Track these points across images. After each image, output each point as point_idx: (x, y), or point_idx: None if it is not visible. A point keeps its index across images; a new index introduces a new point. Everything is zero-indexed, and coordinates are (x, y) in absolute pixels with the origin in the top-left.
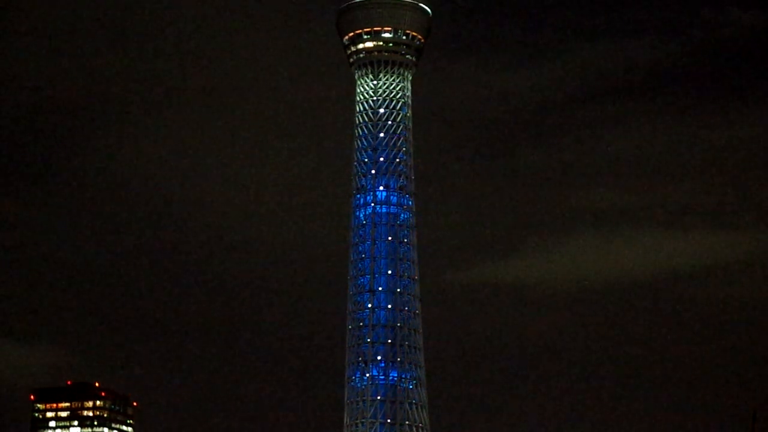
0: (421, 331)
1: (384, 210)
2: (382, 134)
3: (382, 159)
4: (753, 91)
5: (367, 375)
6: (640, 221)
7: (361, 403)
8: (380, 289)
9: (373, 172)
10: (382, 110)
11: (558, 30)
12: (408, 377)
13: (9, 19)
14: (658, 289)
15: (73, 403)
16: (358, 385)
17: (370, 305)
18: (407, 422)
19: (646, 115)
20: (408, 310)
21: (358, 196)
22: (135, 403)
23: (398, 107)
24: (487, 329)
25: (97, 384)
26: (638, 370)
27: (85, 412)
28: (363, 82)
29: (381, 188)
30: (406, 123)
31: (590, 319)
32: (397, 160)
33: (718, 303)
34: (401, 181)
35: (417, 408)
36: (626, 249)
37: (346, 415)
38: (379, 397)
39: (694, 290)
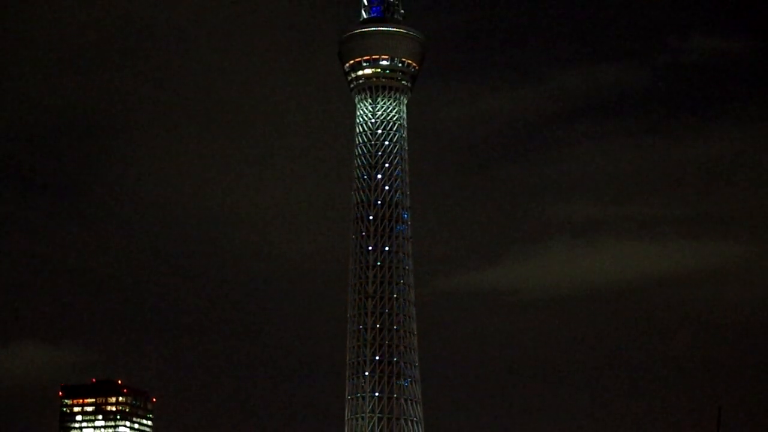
0: (415, 333)
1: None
2: (380, 153)
3: (379, 176)
4: (715, 111)
5: (367, 373)
6: (612, 231)
7: (360, 399)
8: (378, 295)
9: (372, 188)
10: (379, 131)
11: (536, 57)
12: (404, 375)
13: (37, 47)
14: (630, 294)
15: (97, 398)
16: (358, 382)
17: (369, 309)
18: (403, 417)
19: (617, 134)
20: (404, 314)
21: (358, 209)
22: (154, 399)
23: (395, 128)
24: (472, 331)
25: (119, 381)
26: (611, 369)
27: (109, 407)
28: (362, 105)
29: (379, 203)
30: (402, 143)
31: (567, 321)
32: (394, 176)
33: (686, 306)
34: (397, 195)
35: (412, 404)
36: (600, 257)
37: (347, 410)
38: (377, 394)
39: (664, 295)
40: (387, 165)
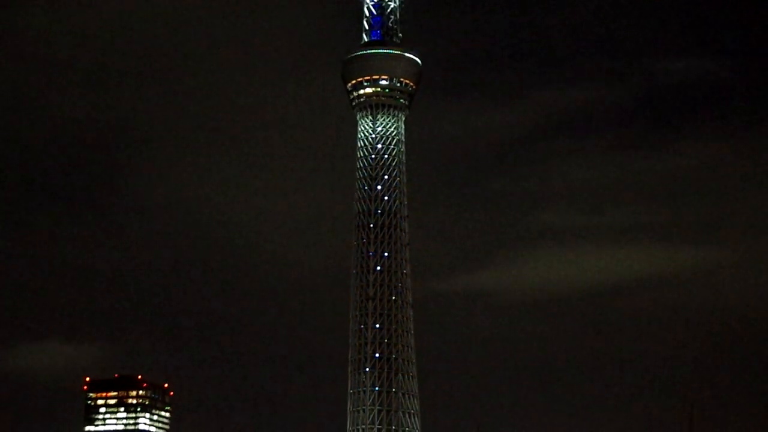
0: (412, 331)
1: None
2: (379, 166)
3: (379, 187)
4: (683, 128)
5: (368, 369)
6: (591, 238)
7: (362, 393)
8: (378, 297)
9: (372, 198)
10: (379, 146)
11: (522, 78)
12: (401, 371)
13: (60, 67)
14: (608, 295)
15: (119, 392)
16: (360, 377)
17: (370, 310)
18: (401, 409)
19: (595, 149)
20: (402, 314)
21: (360, 218)
22: (171, 393)
23: (393, 143)
24: (464, 329)
25: (139, 376)
26: (591, 364)
27: (130, 400)
28: (363, 122)
29: (379, 212)
30: (400, 156)
31: (550, 321)
32: (393, 187)
33: (661, 307)
34: (396, 205)
35: (409, 397)
36: (581, 262)
37: (349, 402)
38: (377, 388)
39: (640, 297)
40: (386, 177)
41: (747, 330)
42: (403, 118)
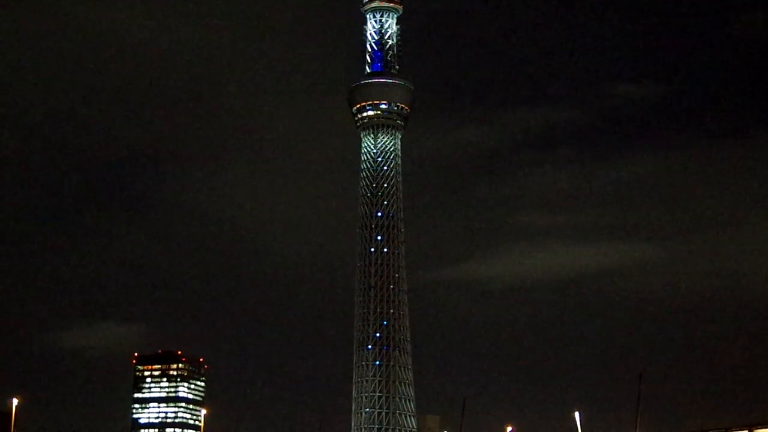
0: (408, 314)
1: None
2: (380, 176)
3: (380, 194)
4: (636, 143)
5: (370, 347)
6: (558, 236)
7: (365, 366)
8: (378, 286)
9: (373, 202)
10: (379, 159)
11: (498, 100)
12: (398, 348)
13: (112, 94)
14: (572, 284)
15: (162, 365)
16: (363, 353)
17: (371, 297)
18: (398, 380)
19: (560, 160)
20: (398, 300)
21: (363, 219)
22: (207, 366)
23: (391, 157)
24: (452, 312)
25: (179, 352)
26: (556, 345)
27: (171, 372)
28: (366, 139)
29: (379, 214)
30: (397, 168)
31: (523, 306)
32: (391, 194)
33: (616, 295)
34: (393, 208)
35: (405, 369)
36: (548, 256)
37: (354, 374)
38: (378, 362)
39: (599, 286)
40: (385, 185)
41: (689, 313)
42: (400, 136)
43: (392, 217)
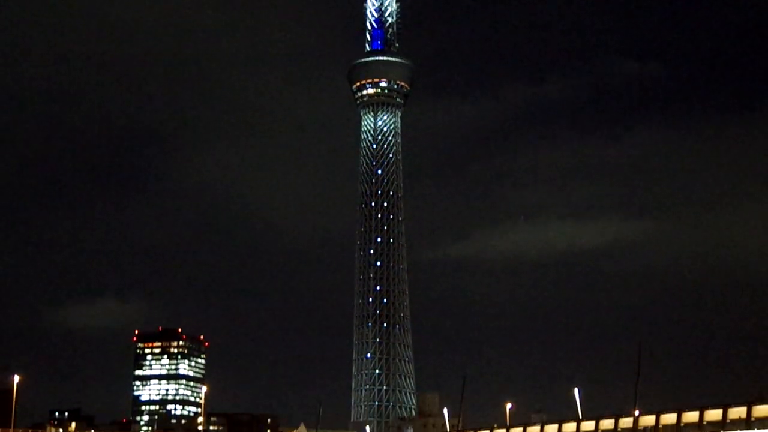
0: (407, 292)
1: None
2: (380, 154)
3: (380, 172)
4: (634, 120)
5: (370, 324)
6: (557, 212)
7: (365, 342)
8: (378, 264)
9: (373, 181)
10: (379, 137)
11: (496, 78)
12: (398, 325)
13: (116, 75)
14: (569, 259)
15: (163, 342)
16: (364, 330)
17: (371, 274)
18: (398, 357)
19: (558, 137)
20: (398, 278)
21: (363, 197)
22: (207, 343)
23: (391, 135)
24: (450, 289)
25: (179, 329)
26: (555, 319)
27: (172, 349)
28: (366, 117)
29: (379, 192)
30: (397, 146)
31: (521, 281)
32: (390, 172)
33: (614, 269)
34: (393, 186)
35: (404, 346)
36: (547, 232)
37: (354, 351)
38: (377, 340)
39: (597, 260)
40: (385, 163)
41: (688, 289)
42: (399, 114)
43: (392, 195)
